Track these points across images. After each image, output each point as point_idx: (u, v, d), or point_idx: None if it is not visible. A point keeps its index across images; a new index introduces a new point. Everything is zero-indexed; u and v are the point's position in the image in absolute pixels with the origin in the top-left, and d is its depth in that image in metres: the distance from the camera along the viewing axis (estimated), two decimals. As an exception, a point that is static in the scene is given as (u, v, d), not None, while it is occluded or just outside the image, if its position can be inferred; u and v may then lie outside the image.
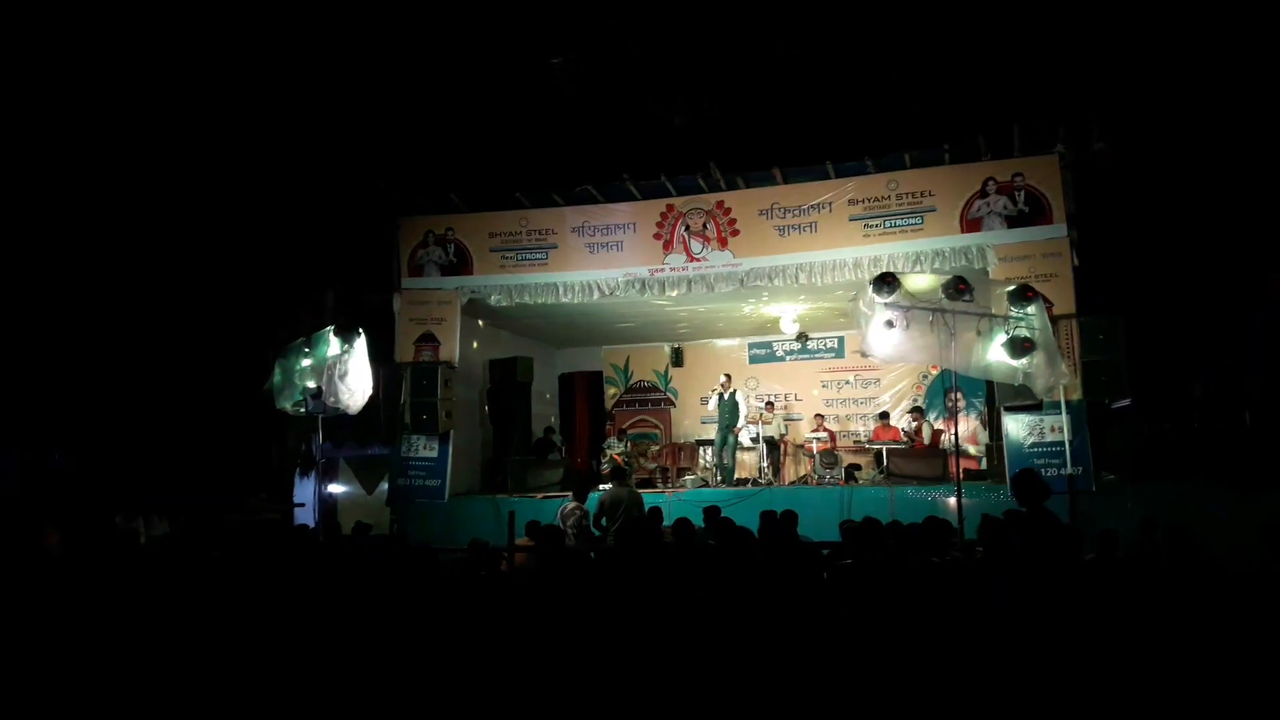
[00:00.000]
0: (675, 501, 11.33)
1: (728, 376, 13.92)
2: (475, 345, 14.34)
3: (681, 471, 14.42)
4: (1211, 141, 19.57)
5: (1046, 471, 10.61)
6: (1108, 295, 12.20)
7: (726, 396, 13.54)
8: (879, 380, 15.94)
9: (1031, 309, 9.45)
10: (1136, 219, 19.56)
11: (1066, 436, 10.59)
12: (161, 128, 12.25)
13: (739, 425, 13.44)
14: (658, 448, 15.92)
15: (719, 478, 13.32)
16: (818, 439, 13.95)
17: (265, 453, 12.68)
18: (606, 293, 12.99)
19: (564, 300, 13.22)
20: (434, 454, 12.93)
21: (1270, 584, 4.74)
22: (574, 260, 13.06)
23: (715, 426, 13.87)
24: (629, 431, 16.47)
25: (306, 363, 11.03)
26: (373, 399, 12.22)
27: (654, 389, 17.49)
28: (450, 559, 7.41)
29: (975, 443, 14.01)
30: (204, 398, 12.85)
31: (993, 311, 9.44)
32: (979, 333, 9.28)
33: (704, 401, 15.58)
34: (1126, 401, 11.73)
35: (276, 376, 11.19)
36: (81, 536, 7.49)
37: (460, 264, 13.47)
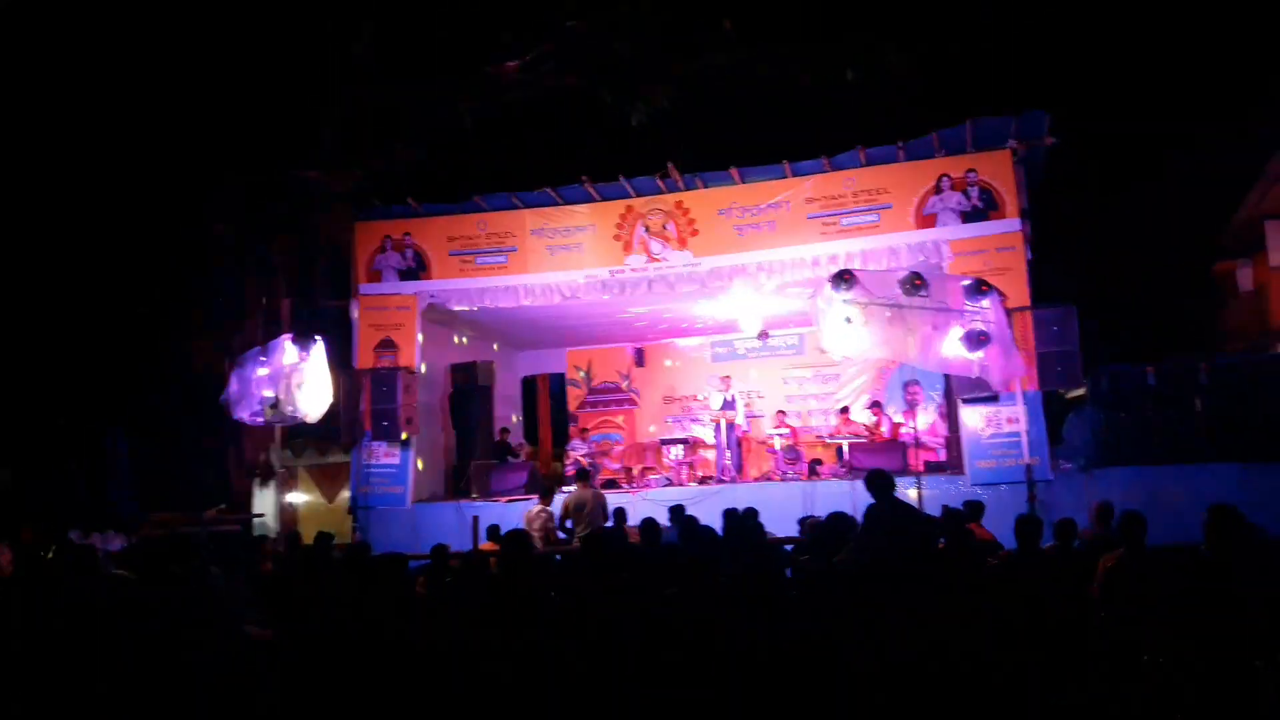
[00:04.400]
0: (640, 501, 11.35)
1: (727, 376, 14.05)
2: (436, 350, 14.24)
3: (645, 471, 14.44)
4: (1160, 135, 20.00)
5: (1004, 462, 10.83)
6: (1061, 287, 12.44)
7: (728, 396, 13.67)
8: (839, 375, 16.06)
9: (986, 302, 9.60)
10: (1089, 212, 19.97)
11: (1023, 427, 10.77)
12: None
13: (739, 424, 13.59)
14: (622, 448, 15.91)
15: (702, 475, 13.43)
16: (780, 435, 14.04)
17: (223, 464, 12.50)
18: (567, 295, 12.98)
19: (525, 303, 13.19)
20: (396, 460, 12.84)
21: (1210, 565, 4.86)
22: (534, 262, 13.03)
23: (681, 424, 13.98)
24: (593, 432, 16.45)
25: (263, 372, 10.92)
26: (332, 407, 12.12)
27: (616, 389, 17.47)
28: (416, 565, 7.38)
29: (935, 435, 14.17)
30: (159, 410, 12.63)
31: (949, 306, 9.57)
32: (935, 327, 9.40)
33: (704, 397, 15.76)
34: (1081, 391, 11.96)
35: (233, 386, 11.06)
36: (36, 554, 7.35)
37: (419, 268, 13.38)
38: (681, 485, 12.84)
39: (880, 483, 6.23)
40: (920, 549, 5.85)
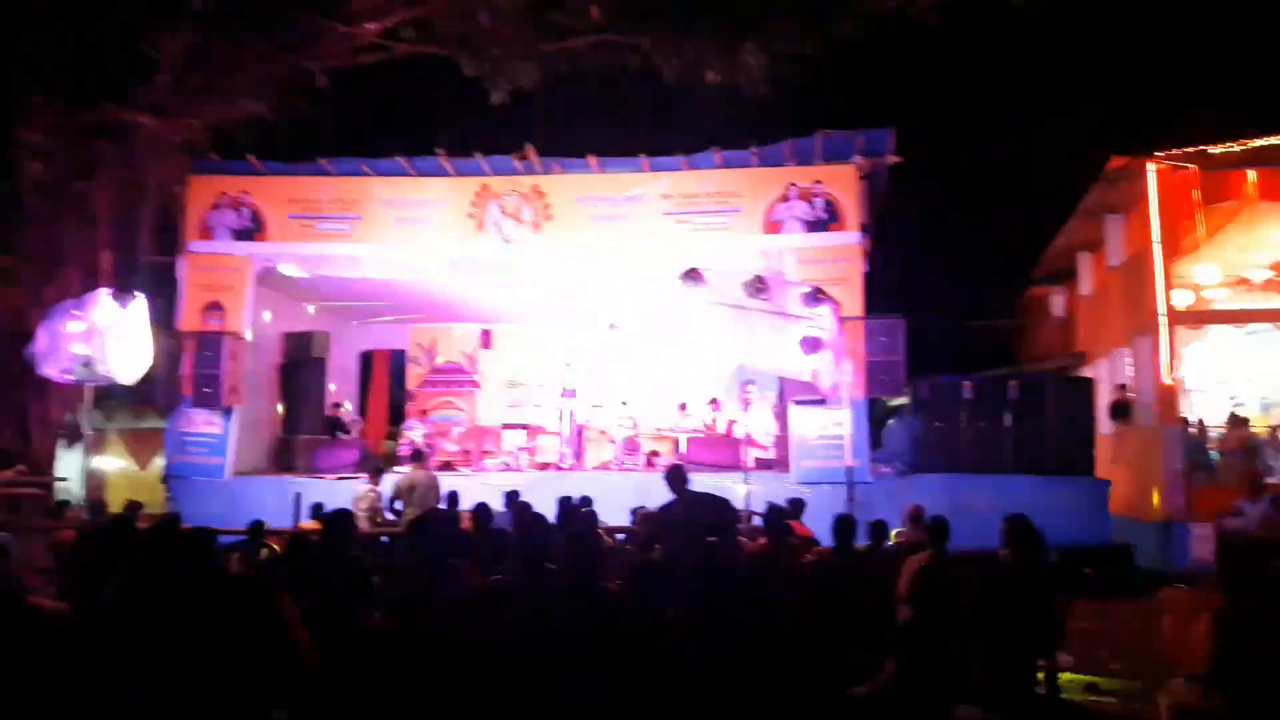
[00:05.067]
0: (476, 485, 11.23)
1: (569, 364, 14.28)
2: (269, 316, 13.64)
3: (485, 454, 14.30)
4: (994, 162, 21.31)
5: (828, 462, 11.30)
6: (892, 299, 13.08)
7: (569, 384, 13.84)
8: (681, 369, 16.34)
9: (823, 310, 9.97)
10: (924, 229, 21.07)
11: (847, 430, 11.26)
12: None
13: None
14: (461, 430, 15.68)
15: (541, 462, 13.47)
16: (620, 425, 14.18)
17: (24, 422, 11.54)
18: (413, 269, 12.69)
19: (367, 274, 12.81)
20: (216, 429, 12.24)
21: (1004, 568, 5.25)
22: (380, 233, 12.66)
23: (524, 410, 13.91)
24: (431, 413, 16.14)
25: (77, 327, 10.14)
26: (150, 369, 11.40)
27: (460, 370, 17.19)
28: (229, 541, 7.07)
29: (766, 433, 14.62)
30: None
31: (788, 311, 9.88)
32: (774, 330, 9.69)
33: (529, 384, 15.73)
34: (904, 399, 12.63)
35: (41, 339, 10.23)
36: None
37: (255, 228, 12.79)
38: (519, 471, 12.79)
39: (675, 477, 6.42)
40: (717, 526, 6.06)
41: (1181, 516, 12.27)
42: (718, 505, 6.31)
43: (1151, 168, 13.45)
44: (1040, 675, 5.40)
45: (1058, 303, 20.68)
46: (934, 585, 5.31)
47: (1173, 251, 13.27)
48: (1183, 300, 13.36)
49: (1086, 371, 16.88)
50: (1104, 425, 13.89)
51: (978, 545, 6.27)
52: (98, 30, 11.88)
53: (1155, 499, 12.97)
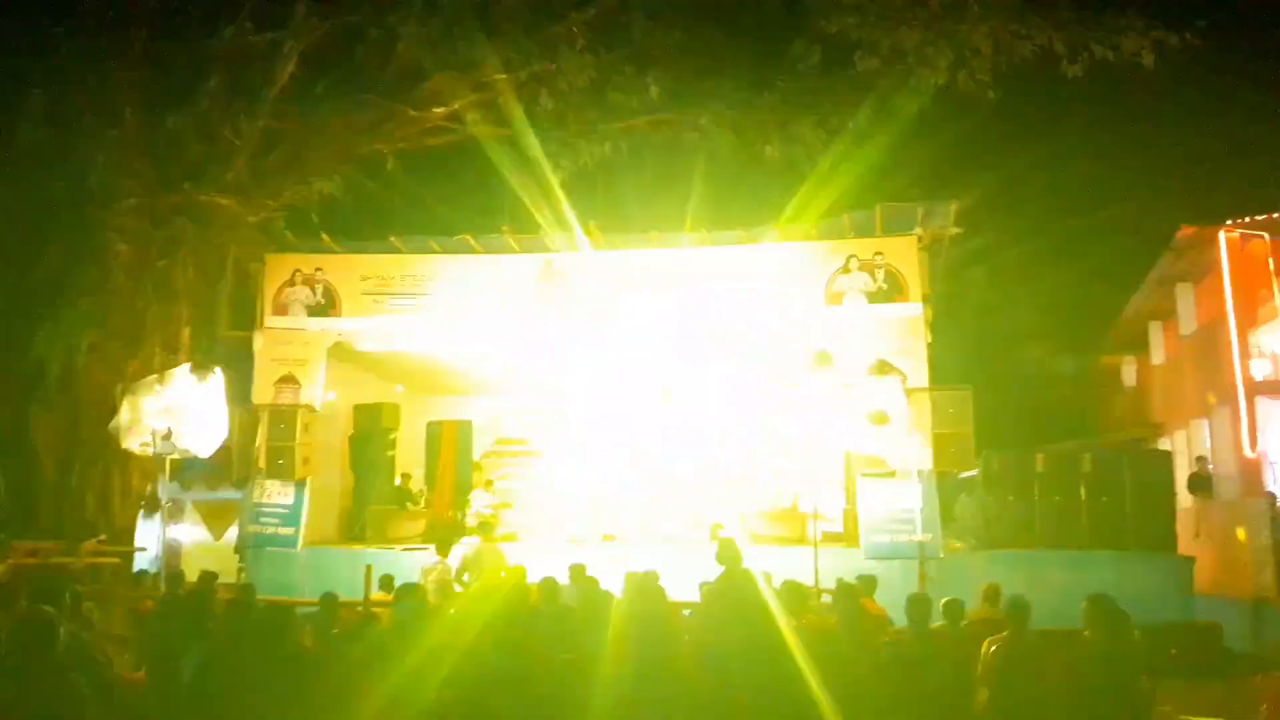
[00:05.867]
0: (542, 556, 11.21)
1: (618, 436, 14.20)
2: (340, 389, 13.95)
3: (549, 526, 14.28)
4: (1060, 232, 21.11)
5: (898, 537, 11.09)
6: (958, 371, 12.92)
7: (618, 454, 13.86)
8: (745, 443, 16.24)
9: (888, 382, 9.91)
10: (989, 300, 20.84)
11: (918, 504, 11.06)
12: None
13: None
14: (525, 501, 15.70)
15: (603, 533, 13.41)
16: (684, 498, 14.09)
17: (106, 493, 11.91)
18: (480, 343, 12.90)
19: (436, 348, 13.05)
20: (289, 500, 12.44)
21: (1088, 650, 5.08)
22: (448, 308, 12.92)
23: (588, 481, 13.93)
24: (497, 483, 16.22)
25: (157, 401, 10.52)
26: (226, 441, 11.73)
27: (524, 441, 17.30)
28: (303, 613, 7.15)
29: (833, 507, 14.42)
30: (39, 432, 12.00)
31: (852, 383, 9.85)
32: (838, 403, 9.65)
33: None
34: (974, 472, 12.38)
35: (124, 414, 10.61)
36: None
37: (328, 305, 13.14)
38: (584, 543, 12.75)
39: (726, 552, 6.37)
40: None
41: (1273, 596, 11.74)
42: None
43: (1222, 236, 13.22)
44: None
45: (1129, 372, 20.23)
46: (1014, 667, 5.15)
47: (1248, 320, 12.95)
48: (1261, 370, 12.99)
49: (1163, 443, 16.40)
50: (1183, 499, 13.45)
51: (1055, 624, 6.09)
52: (179, 116, 12.52)
53: (1243, 577, 12.44)
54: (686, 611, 7.99)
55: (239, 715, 4.83)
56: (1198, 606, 10.92)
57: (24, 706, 3.78)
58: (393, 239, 13.12)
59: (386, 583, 9.44)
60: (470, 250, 13.02)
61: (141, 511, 12.24)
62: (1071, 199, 21.18)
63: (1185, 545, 12.00)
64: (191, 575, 9.35)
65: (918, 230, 12.03)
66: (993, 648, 5.27)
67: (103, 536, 11.17)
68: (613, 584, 7.44)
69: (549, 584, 6.90)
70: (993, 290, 20.67)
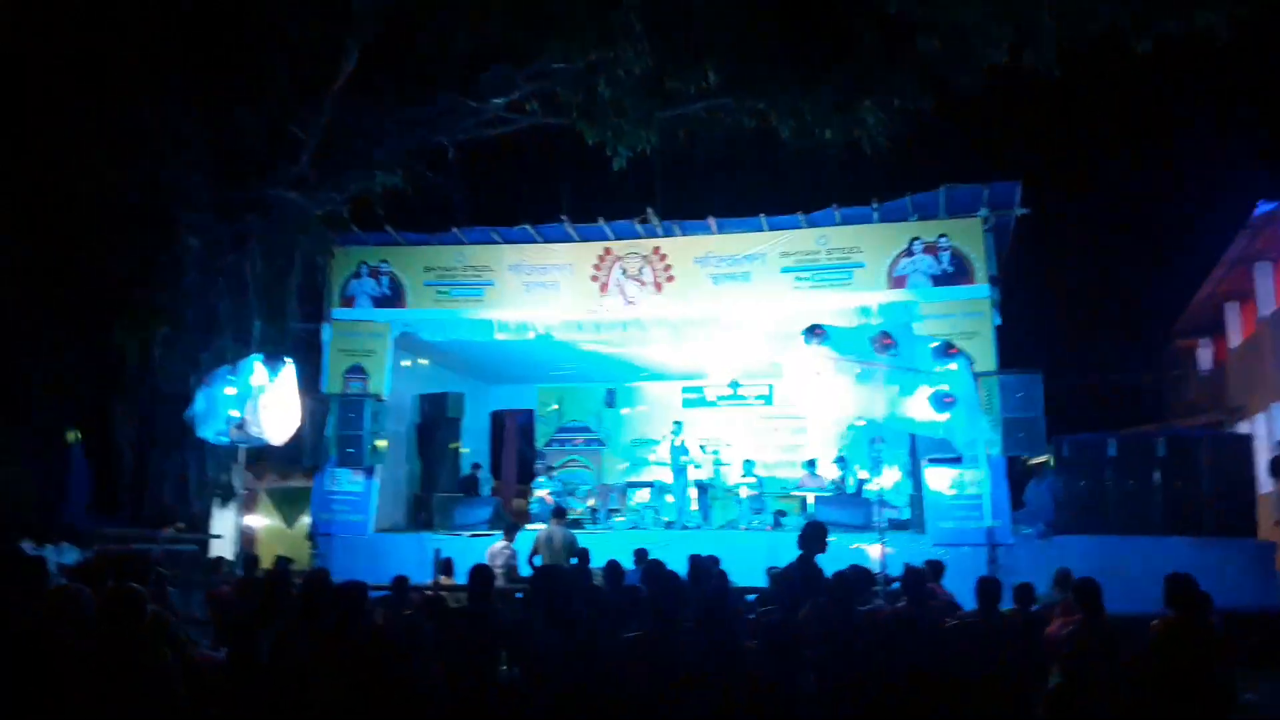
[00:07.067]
0: (605, 541, 11.29)
1: (677, 424, 14.09)
2: (406, 379, 14.19)
3: (611, 512, 14.41)
4: (1130, 212, 20.55)
5: (966, 523, 10.93)
6: (1028, 354, 12.66)
7: (678, 444, 13.70)
8: (806, 429, 16.18)
9: (954, 365, 9.74)
10: (1058, 282, 20.39)
11: (986, 490, 10.89)
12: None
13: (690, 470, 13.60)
14: (588, 488, 15.86)
15: (667, 520, 13.38)
16: (746, 484, 14.07)
17: (183, 482, 12.28)
18: (542, 332, 13.02)
19: (498, 338, 13.20)
20: (359, 488, 12.72)
21: (1166, 631, 4.95)
22: (510, 298, 13.06)
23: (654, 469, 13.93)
24: (560, 470, 16.40)
25: (230, 391, 10.81)
26: (297, 430, 12.00)
27: (586, 429, 17.47)
28: (375, 596, 7.29)
29: (899, 492, 14.28)
30: (120, 423, 12.42)
31: (917, 366, 9.70)
32: (903, 386, 9.52)
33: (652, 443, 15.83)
34: (1044, 458, 12.13)
35: (199, 404, 10.92)
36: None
37: (393, 296, 13.37)
38: (646, 529, 12.83)
39: (811, 535, 6.31)
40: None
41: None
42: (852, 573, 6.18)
43: (1303, 212, 12.76)
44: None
45: (1205, 355, 19.64)
46: (1088, 649, 5.05)
47: (1332, 298, 12.49)
48: (1346, 350, 12.52)
49: (1241, 427, 15.89)
50: (1264, 484, 13.02)
51: (1126, 610, 5.96)
52: (247, 111, 12.80)
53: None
54: (751, 596, 8.00)
55: (315, 693, 4.96)
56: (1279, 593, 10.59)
57: (114, 675, 3.93)
58: (455, 230, 13.28)
59: (446, 567, 9.61)
60: (531, 239, 13.14)
61: (217, 500, 12.58)
62: (1143, 179, 20.59)
63: (1266, 531, 11.63)
64: (266, 562, 9.64)
65: (983, 211, 11.81)
66: (1065, 630, 5.17)
67: (180, 524, 11.52)
68: (678, 569, 7.48)
69: (613, 566, 6.95)
70: (1062, 272, 20.21)
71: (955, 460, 10.93)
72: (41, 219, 11.81)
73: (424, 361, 15.01)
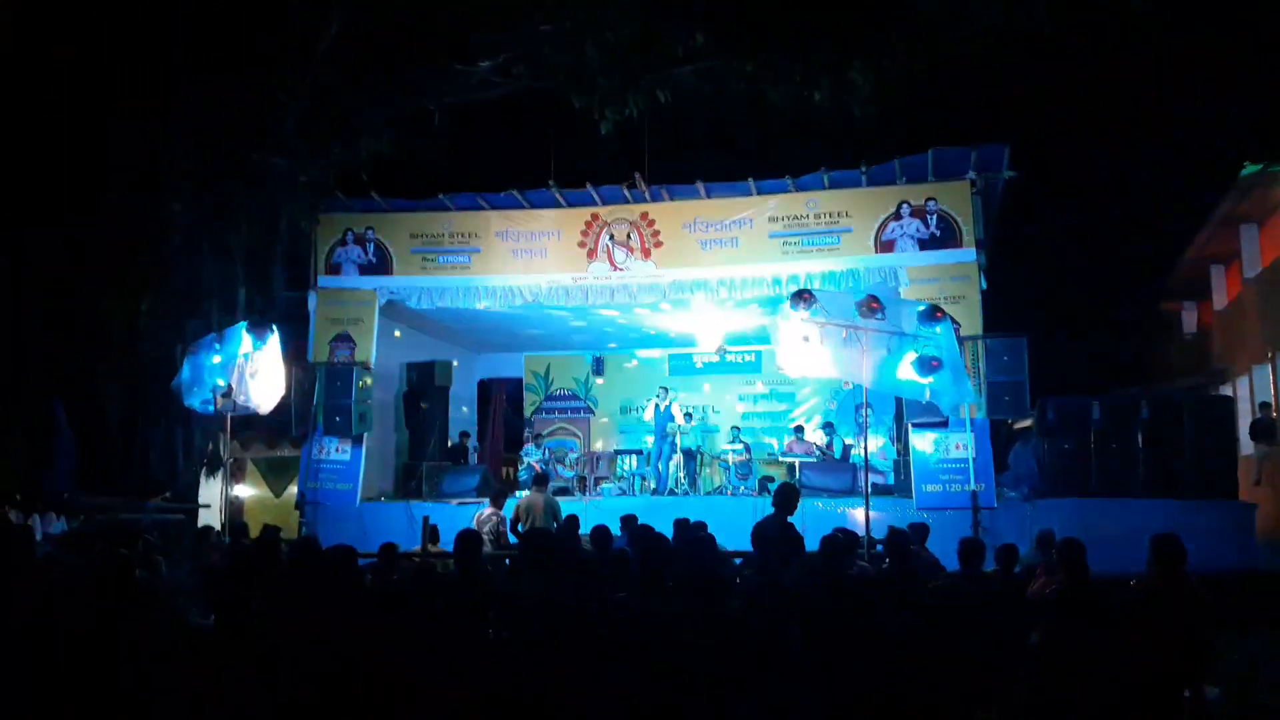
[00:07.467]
0: (593, 508, 11.36)
1: (664, 389, 14.08)
2: (392, 347, 14.15)
3: (599, 480, 14.46)
4: (1115, 175, 20.54)
5: (950, 487, 11.02)
6: (1013, 318, 12.70)
7: (663, 408, 13.71)
8: (794, 394, 16.24)
9: (940, 329, 9.76)
10: (1043, 247, 20.42)
11: (970, 454, 10.96)
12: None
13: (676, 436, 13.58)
14: (576, 456, 15.92)
15: (652, 486, 13.42)
16: (733, 451, 14.14)
17: (170, 451, 12.27)
18: (529, 299, 12.99)
19: (485, 305, 13.16)
20: (346, 457, 12.72)
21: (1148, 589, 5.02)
22: (497, 265, 13.01)
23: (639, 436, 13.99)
24: (547, 439, 16.45)
25: (217, 360, 10.74)
26: (283, 399, 11.97)
27: (574, 397, 17.49)
28: (362, 563, 7.32)
29: (884, 457, 14.37)
30: (105, 392, 12.37)
31: (903, 330, 9.71)
32: (889, 350, 9.53)
33: (639, 410, 15.82)
34: (1028, 421, 12.21)
35: (185, 373, 10.87)
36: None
37: (380, 264, 13.29)
38: (634, 496, 12.89)
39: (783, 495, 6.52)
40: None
41: (1337, 542, 11.49)
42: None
43: (1290, 173, 12.76)
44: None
45: (1189, 318, 19.72)
46: (1069, 609, 5.12)
47: (1317, 261, 12.54)
48: (1330, 313, 12.59)
49: (1224, 389, 16.01)
50: (1245, 446, 13.15)
51: (1108, 571, 6.03)
52: (232, 77, 12.63)
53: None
54: (738, 560, 8.07)
55: (305, 657, 5.00)
56: (1259, 554, 10.73)
57: (106, 638, 3.95)
58: (441, 196, 13.18)
59: (433, 534, 9.65)
60: (519, 205, 13.05)
61: (204, 469, 12.57)
62: (1130, 140, 20.56)
63: (1247, 493, 11.76)
64: (253, 531, 9.65)
65: (971, 175, 11.79)
66: (1047, 589, 5.24)
67: (167, 494, 11.51)
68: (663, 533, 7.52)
69: (601, 529, 6.99)
70: (1048, 235, 20.23)
71: (941, 424, 10.99)
72: (25, 187, 11.67)
73: (411, 329, 14.95)
